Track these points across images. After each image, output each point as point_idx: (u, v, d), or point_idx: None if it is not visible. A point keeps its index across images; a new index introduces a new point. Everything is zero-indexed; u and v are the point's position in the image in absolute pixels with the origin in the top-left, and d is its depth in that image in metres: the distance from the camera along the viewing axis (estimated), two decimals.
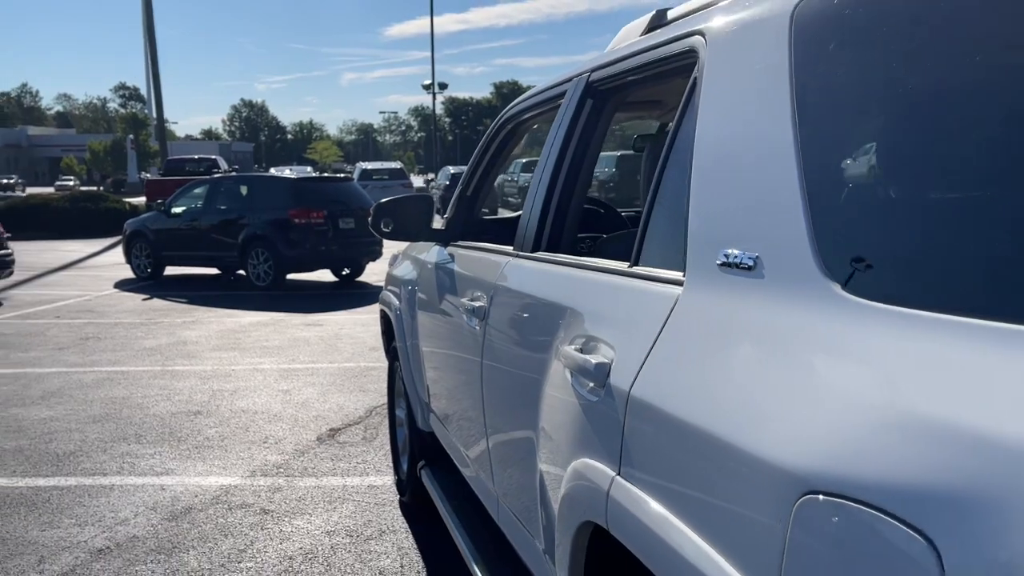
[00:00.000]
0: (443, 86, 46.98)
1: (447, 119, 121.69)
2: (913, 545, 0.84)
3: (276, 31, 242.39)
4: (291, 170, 29.20)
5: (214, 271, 14.02)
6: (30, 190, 51.03)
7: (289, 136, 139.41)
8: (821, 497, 0.96)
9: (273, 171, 29.25)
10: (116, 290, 12.75)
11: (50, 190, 42.66)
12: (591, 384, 1.62)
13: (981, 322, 0.91)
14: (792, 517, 1.00)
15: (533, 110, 2.92)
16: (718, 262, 1.37)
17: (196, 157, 29.09)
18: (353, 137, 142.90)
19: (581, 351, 1.71)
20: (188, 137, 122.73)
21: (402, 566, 3.54)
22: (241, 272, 13.21)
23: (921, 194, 1.14)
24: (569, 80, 2.49)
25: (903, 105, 1.18)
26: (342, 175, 18.31)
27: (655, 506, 1.31)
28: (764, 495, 1.06)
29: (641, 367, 1.46)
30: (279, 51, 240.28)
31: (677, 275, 1.52)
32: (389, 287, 4.21)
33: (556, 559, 1.80)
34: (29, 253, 16.56)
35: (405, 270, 3.93)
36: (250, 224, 12.84)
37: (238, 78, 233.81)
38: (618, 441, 1.48)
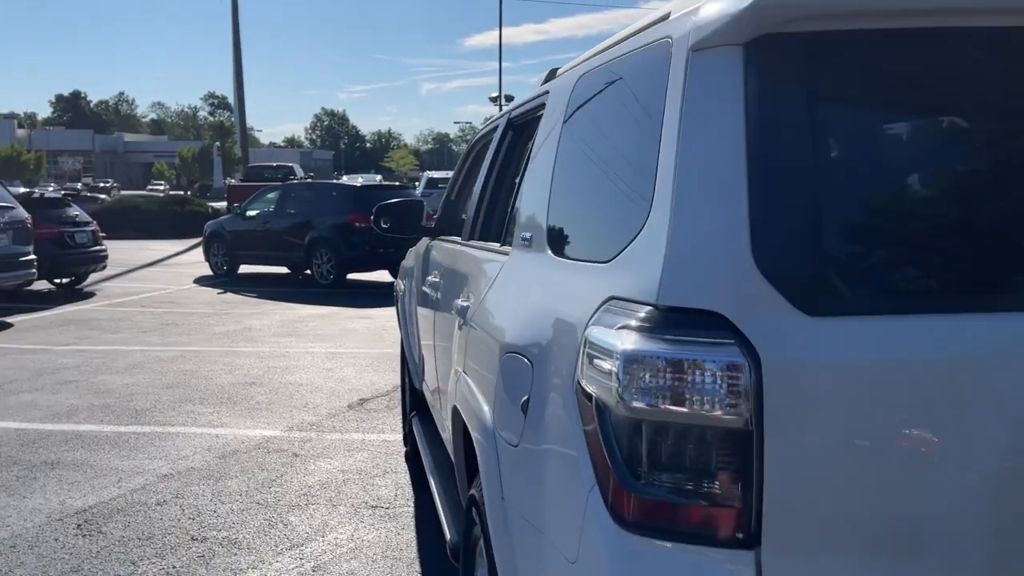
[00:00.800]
0: (509, 98, 48.11)
1: None
2: (524, 364, 1.70)
3: (360, 42, 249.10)
4: (362, 178, 30.66)
5: (284, 270, 15.26)
6: (124, 193, 54.13)
7: (368, 145, 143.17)
8: (508, 353, 1.83)
9: (345, 179, 30.78)
10: (195, 285, 14.08)
11: (143, 194, 45.36)
12: (461, 320, 2.50)
13: (580, 263, 1.76)
14: (499, 364, 1.87)
15: (490, 135, 3.80)
16: (520, 239, 2.24)
17: (274, 164, 30.88)
18: (429, 146, 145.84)
19: (463, 301, 2.59)
20: (272, 144, 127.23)
21: (395, 495, 4.45)
22: (308, 272, 14.39)
23: (568, 208, 1.99)
24: (503, 115, 3.37)
25: (582, 156, 2.03)
26: (398, 183, 19.43)
27: (468, 381, 2.19)
28: (496, 359, 1.92)
29: (479, 305, 2.34)
30: (362, 61, 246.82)
31: (510, 249, 2.39)
32: (400, 277, 5.15)
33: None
34: (121, 251, 18.15)
35: (409, 261, 4.86)
36: (315, 227, 14.01)
37: (322, 87, 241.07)
38: (464, 351, 2.35)
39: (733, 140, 1.36)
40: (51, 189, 34.71)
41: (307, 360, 7.95)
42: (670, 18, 1.70)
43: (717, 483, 1.28)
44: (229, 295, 12.84)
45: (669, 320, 1.31)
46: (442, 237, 4.11)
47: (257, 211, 15.15)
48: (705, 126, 1.40)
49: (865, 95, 1.46)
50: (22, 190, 14.02)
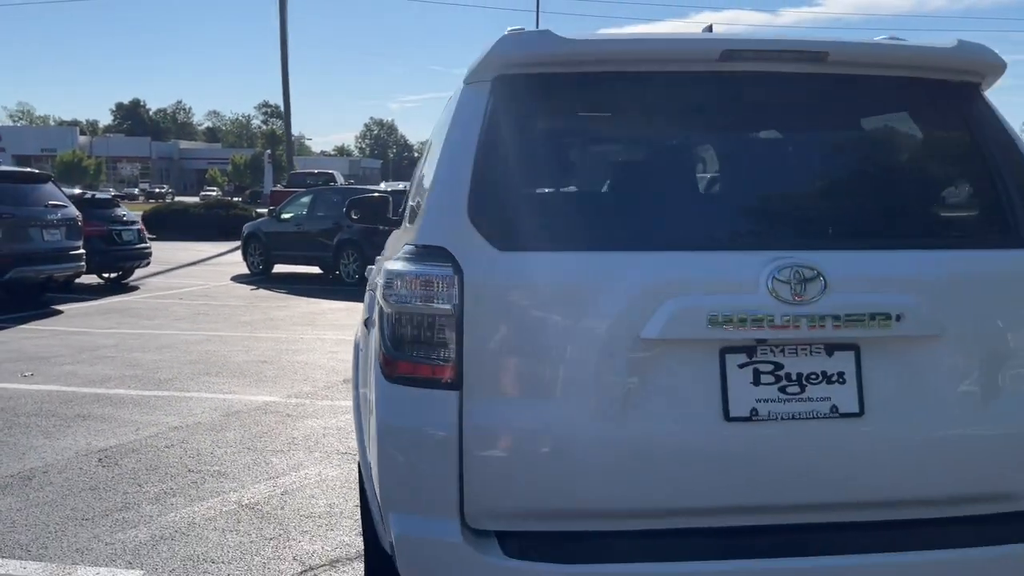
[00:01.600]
0: None
1: None
2: (373, 296, 2.49)
3: (413, 54, 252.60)
4: (403, 184, 31.76)
5: (316, 269, 16.23)
6: (178, 199, 56.18)
7: (415, 154, 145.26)
8: (369, 292, 2.61)
9: (383, 185, 31.96)
10: (231, 282, 15.11)
11: (195, 199, 47.26)
12: (374, 284, 3.30)
13: (410, 226, 2.54)
14: (379, 292, 2.65)
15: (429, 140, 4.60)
16: (405, 217, 3.03)
17: (316, 171, 32.22)
18: None
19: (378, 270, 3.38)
20: (322, 153, 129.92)
21: None
22: (338, 271, 15.33)
23: (416, 191, 2.77)
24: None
25: (432, 152, 2.81)
26: None
27: (362, 326, 2.98)
28: (367, 300, 2.71)
29: (376, 267, 3.12)
30: (416, 72, 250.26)
31: (408, 225, 3.18)
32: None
33: None
34: (167, 251, 19.36)
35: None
36: (343, 229, 14.95)
37: (374, 98, 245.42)
38: (367, 304, 3.14)
39: (470, 144, 2.13)
40: (110, 193, 36.36)
41: (317, 344, 8.82)
42: None
43: (437, 350, 2.05)
44: (261, 291, 13.82)
45: (416, 253, 2.10)
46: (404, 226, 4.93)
47: (291, 214, 16.16)
48: (459, 135, 2.17)
49: (557, 115, 2.23)
50: (77, 191, 15.16)
